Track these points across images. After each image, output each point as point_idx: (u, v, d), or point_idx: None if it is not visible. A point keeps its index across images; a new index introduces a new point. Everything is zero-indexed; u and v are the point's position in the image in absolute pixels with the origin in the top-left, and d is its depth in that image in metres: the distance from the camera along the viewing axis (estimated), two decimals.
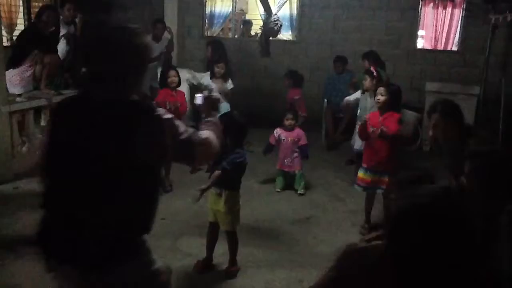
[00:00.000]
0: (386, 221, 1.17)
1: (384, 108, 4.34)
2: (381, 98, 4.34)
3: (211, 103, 2.40)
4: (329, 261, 1.44)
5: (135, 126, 1.82)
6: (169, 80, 5.16)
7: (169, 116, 1.93)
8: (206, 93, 2.50)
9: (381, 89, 4.39)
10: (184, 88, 5.79)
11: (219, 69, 6.05)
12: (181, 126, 1.96)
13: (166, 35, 7.29)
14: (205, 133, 2.07)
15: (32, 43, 5.81)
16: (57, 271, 1.97)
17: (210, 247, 3.76)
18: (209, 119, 2.22)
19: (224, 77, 6.09)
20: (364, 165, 4.42)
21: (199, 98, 2.47)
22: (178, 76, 5.27)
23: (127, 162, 1.79)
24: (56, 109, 1.99)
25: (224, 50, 6.92)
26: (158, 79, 5.83)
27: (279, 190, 5.48)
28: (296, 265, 3.82)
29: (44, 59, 5.87)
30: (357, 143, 5.16)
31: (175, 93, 5.23)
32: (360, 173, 4.44)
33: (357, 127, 4.87)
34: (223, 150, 3.06)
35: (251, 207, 4.84)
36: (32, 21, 6.48)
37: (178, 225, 4.49)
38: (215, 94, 2.40)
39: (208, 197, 3.65)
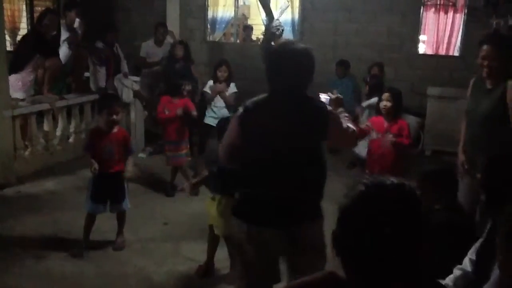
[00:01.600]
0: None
1: (390, 114, 4.33)
2: (387, 104, 4.33)
3: (335, 102, 2.81)
4: (330, 267, 1.45)
5: (313, 116, 2.44)
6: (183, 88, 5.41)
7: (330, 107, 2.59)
8: (330, 94, 2.85)
9: (386, 95, 4.38)
10: None
11: (221, 73, 6.05)
12: (342, 118, 2.59)
13: (169, 39, 7.31)
14: (351, 124, 2.62)
15: (34, 47, 5.79)
16: (256, 233, 2.45)
17: (211, 251, 3.76)
18: (342, 114, 2.68)
19: (227, 81, 6.09)
20: (368, 171, 4.39)
21: (323, 97, 2.83)
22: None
23: (309, 142, 2.43)
24: (245, 111, 2.49)
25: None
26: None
27: None
28: None
29: (45, 63, 5.87)
30: (359, 148, 5.14)
31: (175, 101, 5.32)
32: None
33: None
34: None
35: None
36: (33, 25, 6.46)
37: (180, 230, 4.49)
38: (337, 95, 2.85)
39: (206, 200, 3.68)
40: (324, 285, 1.21)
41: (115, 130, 4.01)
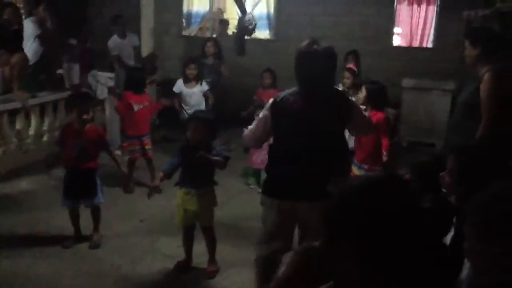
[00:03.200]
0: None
1: (365, 105, 4.38)
2: (360, 95, 4.43)
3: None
4: None
5: (340, 106, 2.87)
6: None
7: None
8: (338, 88, 3.24)
9: (362, 88, 4.51)
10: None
11: (191, 70, 5.96)
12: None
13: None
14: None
15: None
16: (278, 205, 2.84)
17: (188, 248, 3.76)
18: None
19: (197, 79, 6.02)
20: (355, 161, 4.45)
21: None
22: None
23: (334, 127, 2.84)
24: (275, 102, 2.87)
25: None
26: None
27: (252, 186, 5.55)
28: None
29: (11, 59, 5.68)
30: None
31: (139, 95, 5.32)
32: (354, 169, 4.47)
33: None
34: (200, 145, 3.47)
35: (231, 206, 4.85)
36: None
37: (157, 226, 4.47)
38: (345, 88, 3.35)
39: (178, 198, 3.66)
40: (306, 265, 1.23)
41: (87, 127, 4.02)
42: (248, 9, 6.65)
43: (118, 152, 6.63)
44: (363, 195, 1.11)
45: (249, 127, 3.10)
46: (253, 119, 3.28)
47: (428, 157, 2.96)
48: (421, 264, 1.08)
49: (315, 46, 2.81)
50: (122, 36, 7.04)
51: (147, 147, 5.39)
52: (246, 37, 6.72)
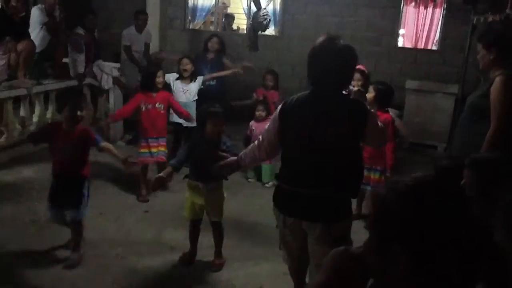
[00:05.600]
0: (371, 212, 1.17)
1: (372, 105, 4.36)
2: (368, 95, 4.36)
3: (357, 94, 2.93)
4: None
5: (352, 117, 2.46)
6: (157, 80, 4.95)
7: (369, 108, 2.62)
8: (350, 87, 2.88)
9: (370, 87, 4.45)
10: None
11: (183, 66, 5.74)
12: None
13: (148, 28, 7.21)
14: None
15: (3, 30, 5.58)
16: (287, 222, 2.61)
17: (194, 241, 3.76)
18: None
19: (192, 76, 5.80)
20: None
21: None
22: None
23: (346, 142, 2.46)
24: (286, 106, 2.57)
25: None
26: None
27: (250, 180, 5.60)
28: (281, 259, 3.83)
29: (17, 46, 5.68)
30: None
31: (154, 95, 4.96)
32: None
33: None
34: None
35: (237, 201, 4.85)
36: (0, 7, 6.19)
37: (162, 218, 4.47)
38: (358, 87, 3.07)
39: (186, 190, 3.66)
40: (348, 269, 1.22)
41: (77, 127, 3.57)
42: (263, 4, 6.63)
43: (121, 143, 6.66)
44: (418, 197, 1.06)
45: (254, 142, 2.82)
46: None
47: (447, 161, 2.86)
48: (472, 270, 1.06)
49: (334, 43, 2.47)
50: (139, 30, 7.00)
51: (153, 150, 4.93)
52: (259, 32, 6.68)
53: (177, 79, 5.80)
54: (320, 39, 2.53)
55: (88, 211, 3.70)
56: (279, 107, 2.63)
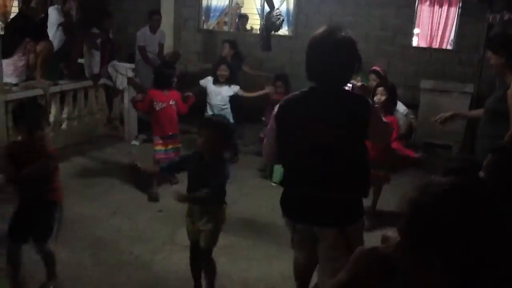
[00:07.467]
0: (402, 216, 1.14)
1: (385, 107, 4.33)
2: (382, 98, 4.34)
3: (361, 90, 2.89)
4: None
5: (354, 113, 2.32)
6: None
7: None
8: (354, 82, 2.89)
9: (380, 89, 4.38)
10: None
11: (221, 72, 5.75)
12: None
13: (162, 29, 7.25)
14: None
15: (23, 31, 5.66)
16: (296, 227, 2.54)
17: (196, 274, 3.31)
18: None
19: (228, 81, 5.79)
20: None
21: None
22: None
23: (348, 142, 2.32)
24: (280, 108, 2.43)
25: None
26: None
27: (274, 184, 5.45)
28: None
29: (37, 47, 5.77)
30: None
31: (166, 93, 4.99)
32: None
33: None
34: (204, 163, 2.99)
35: (249, 201, 4.86)
36: (20, 8, 6.29)
37: (175, 218, 4.47)
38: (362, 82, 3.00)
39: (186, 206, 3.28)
40: (374, 268, 1.21)
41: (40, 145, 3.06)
42: (276, 4, 6.64)
43: (136, 143, 6.72)
44: (457, 203, 1.04)
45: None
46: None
47: (463, 161, 2.84)
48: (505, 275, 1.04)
49: (334, 35, 2.30)
50: (153, 31, 7.05)
51: (170, 146, 4.97)
52: (272, 32, 6.68)
53: (213, 82, 5.83)
54: (320, 30, 2.36)
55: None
56: (274, 112, 2.46)
